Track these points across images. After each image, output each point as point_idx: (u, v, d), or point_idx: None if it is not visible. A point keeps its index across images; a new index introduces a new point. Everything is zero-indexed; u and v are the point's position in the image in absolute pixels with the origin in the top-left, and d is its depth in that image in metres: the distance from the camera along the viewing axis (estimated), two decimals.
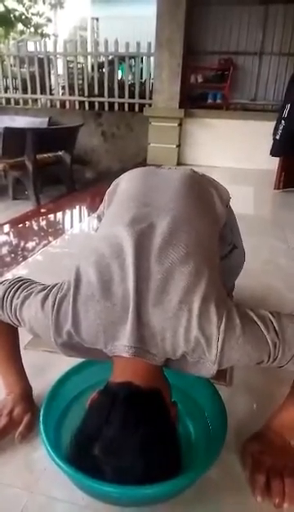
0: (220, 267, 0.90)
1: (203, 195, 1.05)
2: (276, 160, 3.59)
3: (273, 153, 3.48)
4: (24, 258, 2.08)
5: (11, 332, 0.98)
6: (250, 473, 0.86)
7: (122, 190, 1.08)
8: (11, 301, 0.85)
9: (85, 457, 0.69)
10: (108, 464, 0.67)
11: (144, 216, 0.90)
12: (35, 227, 2.75)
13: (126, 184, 1.09)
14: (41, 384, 1.03)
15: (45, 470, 0.87)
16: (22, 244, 2.38)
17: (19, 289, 0.86)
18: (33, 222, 2.81)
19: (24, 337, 1.08)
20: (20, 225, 2.69)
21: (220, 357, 0.72)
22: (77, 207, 3.33)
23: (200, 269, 0.80)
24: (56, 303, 0.78)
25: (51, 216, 3.03)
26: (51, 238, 2.42)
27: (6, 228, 2.59)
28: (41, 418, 0.87)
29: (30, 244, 2.34)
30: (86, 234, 2.55)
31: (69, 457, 0.72)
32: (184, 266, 0.79)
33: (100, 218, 1.20)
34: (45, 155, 4.10)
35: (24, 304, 0.83)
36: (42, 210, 3.21)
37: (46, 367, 1.15)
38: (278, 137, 3.38)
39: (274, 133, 3.44)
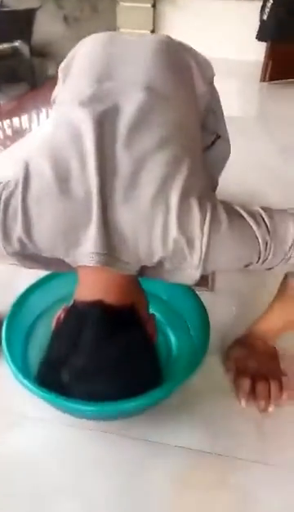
0: (202, 160, 0.75)
1: (181, 69, 0.85)
2: (262, 49, 3.19)
3: (259, 37, 3.07)
4: None
5: None
6: (234, 377, 0.83)
7: (78, 62, 0.86)
8: None
9: (56, 384, 0.61)
10: (81, 390, 0.60)
11: (106, 93, 0.72)
12: None
13: (82, 54, 0.87)
14: (6, 300, 0.92)
15: (15, 387, 0.80)
16: None
17: None
18: None
19: None
20: None
21: (204, 260, 0.61)
22: (41, 105, 2.97)
23: (179, 157, 0.64)
24: (1, 202, 0.62)
25: (14, 117, 2.70)
26: (10, 142, 2.17)
27: None
28: (3, 335, 0.78)
29: None
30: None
31: (38, 381, 0.64)
32: (158, 153, 0.64)
33: (55, 103, 0.99)
34: None
35: None
36: (2, 111, 2.86)
37: (12, 281, 1.04)
38: (265, 18, 2.96)
39: (261, 14, 3.01)
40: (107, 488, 0.68)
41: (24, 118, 2.75)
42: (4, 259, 1.12)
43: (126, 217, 0.61)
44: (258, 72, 3.25)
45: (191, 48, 0.92)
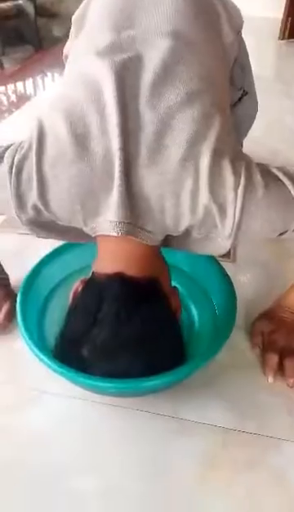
0: (231, 117, 0.68)
1: (209, 15, 0.75)
2: (282, 5, 2.97)
3: None
4: None
5: None
6: (261, 352, 0.79)
7: (94, 10, 0.77)
8: None
9: (74, 359, 0.58)
10: (102, 366, 0.57)
11: (127, 43, 0.64)
12: (1, 96, 2.36)
13: (98, 4, 0.78)
14: (18, 271, 0.88)
15: (32, 362, 0.77)
16: None
17: None
18: None
19: None
20: None
21: (236, 229, 0.55)
22: (48, 69, 2.84)
23: (209, 113, 0.58)
24: (14, 165, 0.56)
25: (19, 82, 2.59)
26: (16, 107, 2.08)
27: None
28: (18, 308, 0.75)
29: None
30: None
31: (55, 357, 0.61)
32: (186, 110, 0.57)
33: (67, 58, 0.91)
34: (2, 5, 3.39)
35: None
36: (7, 75, 2.74)
37: (23, 251, 0.99)
38: None
39: None
40: (128, 466, 0.65)
41: (29, 82, 2.63)
42: (15, 228, 1.09)
43: (152, 181, 0.55)
44: (276, 29, 3.06)
45: None
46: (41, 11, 3.85)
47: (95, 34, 0.69)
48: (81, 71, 0.64)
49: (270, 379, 0.75)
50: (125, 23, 0.67)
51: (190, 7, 0.71)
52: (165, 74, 0.60)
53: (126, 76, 0.59)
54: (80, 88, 0.60)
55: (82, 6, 0.84)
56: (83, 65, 0.64)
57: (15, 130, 1.74)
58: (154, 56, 0.61)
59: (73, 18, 0.84)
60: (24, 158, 0.57)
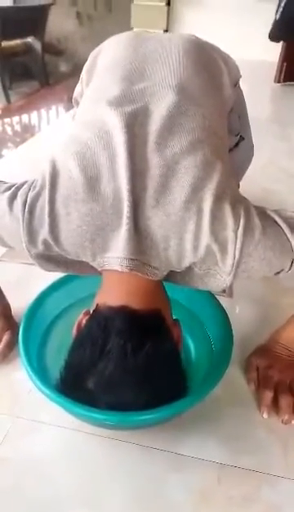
0: (230, 163, 0.73)
1: (211, 70, 0.82)
2: (277, 50, 3.14)
3: (271, 36, 3.01)
4: None
5: None
6: (256, 388, 0.80)
7: (104, 61, 0.83)
8: None
9: (78, 391, 0.59)
10: (107, 398, 0.58)
11: (137, 94, 0.69)
12: (6, 127, 2.44)
13: (109, 53, 0.84)
14: (19, 301, 0.90)
15: (30, 392, 0.78)
16: None
17: None
18: (3, 122, 2.49)
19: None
20: None
21: (236, 266, 0.58)
22: (52, 104, 2.96)
23: (210, 161, 0.62)
24: (28, 202, 0.60)
25: (24, 115, 2.69)
26: (22, 139, 2.15)
27: None
28: (20, 338, 0.76)
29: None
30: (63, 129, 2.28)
31: (58, 387, 0.62)
32: (189, 157, 0.61)
33: (77, 102, 0.97)
34: (11, 43, 3.54)
35: None
36: (13, 108, 2.84)
37: (25, 281, 1.02)
38: (277, 17, 2.90)
39: (277, 12, 2.96)
40: (123, 500, 0.65)
41: (35, 115, 2.73)
42: (18, 258, 1.11)
43: (157, 221, 0.58)
44: (272, 73, 3.21)
45: (219, 48, 0.89)
46: (48, 48, 4.03)
47: (106, 85, 0.74)
48: (93, 118, 0.68)
49: (265, 416, 0.76)
50: (135, 76, 0.73)
51: (195, 63, 0.77)
52: (170, 124, 0.64)
53: (134, 125, 0.63)
54: (91, 133, 0.64)
55: (93, 54, 0.91)
56: (95, 113, 0.69)
57: (22, 162, 1.81)
58: (161, 107, 0.66)
59: (85, 66, 0.91)
60: (38, 195, 0.60)
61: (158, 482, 0.67)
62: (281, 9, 2.85)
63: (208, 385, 0.69)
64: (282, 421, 0.75)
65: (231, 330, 0.79)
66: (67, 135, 0.68)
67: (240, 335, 0.88)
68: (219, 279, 0.62)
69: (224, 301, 0.87)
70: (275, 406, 0.77)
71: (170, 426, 0.72)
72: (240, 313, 0.99)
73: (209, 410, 0.76)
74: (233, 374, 0.83)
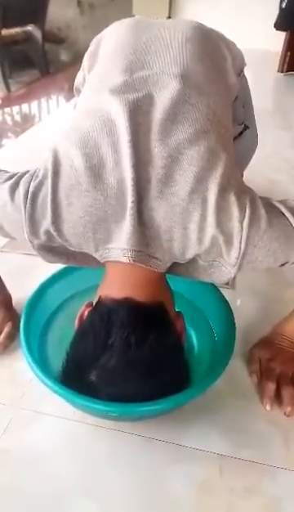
0: (234, 152, 0.71)
1: (215, 57, 0.80)
2: (281, 40, 3.10)
3: (277, 26, 2.98)
4: None
5: None
6: (258, 380, 0.80)
7: (107, 48, 0.82)
8: None
9: (80, 383, 0.58)
10: (109, 391, 0.57)
11: (140, 82, 0.68)
12: (6, 117, 2.42)
13: (112, 39, 0.82)
14: (20, 291, 0.90)
15: (31, 382, 0.78)
16: None
17: None
18: (3, 112, 2.47)
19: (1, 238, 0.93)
20: None
21: (241, 258, 0.58)
22: (53, 93, 2.93)
23: (214, 151, 0.61)
24: (30, 192, 0.59)
25: (24, 104, 2.66)
26: (23, 128, 2.13)
27: None
28: (22, 328, 0.76)
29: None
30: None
31: (62, 380, 0.61)
32: (193, 147, 0.60)
33: (78, 91, 0.95)
34: (11, 31, 3.49)
35: None
36: (13, 97, 2.81)
37: (26, 272, 1.01)
38: (284, 6, 2.86)
39: (280, 2, 2.92)
40: (125, 491, 0.65)
41: (35, 104, 2.70)
42: (19, 249, 1.11)
43: (161, 212, 0.57)
44: (276, 63, 3.18)
45: (224, 36, 0.88)
46: (48, 37, 3.97)
47: (108, 71, 0.73)
48: (95, 106, 0.67)
49: (268, 408, 0.76)
50: (138, 64, 0.71)
51: (198, 51, 0.75)
52: (174, 113, 0.63)
53: (138, 113, 0.62)
54: (94, 122, 0.63)
55: (95, 40, 0.89)
56: (97, 101, 0.67)
57: (22, 150, 1.79)
58: (164, 96, 0.65)
59: (87, 54, 0.89)
60: (40, 185, 0.59)
61: (159, 474, 0.67)
62: None
63: (210, 377, 0.69)
64: (285, 413, 0.75)
65: (234, 323, 0.79)
66: (69, 123, 0.67)
67: (242, 328, 0.88)
68: (223, 270, 0.61)
69: (226, 294, 0.87)
70: (277, 398, 0.76)
71: (172, 418, 0.72)
72: (243, 306, 0.98)
73: (211, 401, 0.76)
74: (236, 366, 0.83)
